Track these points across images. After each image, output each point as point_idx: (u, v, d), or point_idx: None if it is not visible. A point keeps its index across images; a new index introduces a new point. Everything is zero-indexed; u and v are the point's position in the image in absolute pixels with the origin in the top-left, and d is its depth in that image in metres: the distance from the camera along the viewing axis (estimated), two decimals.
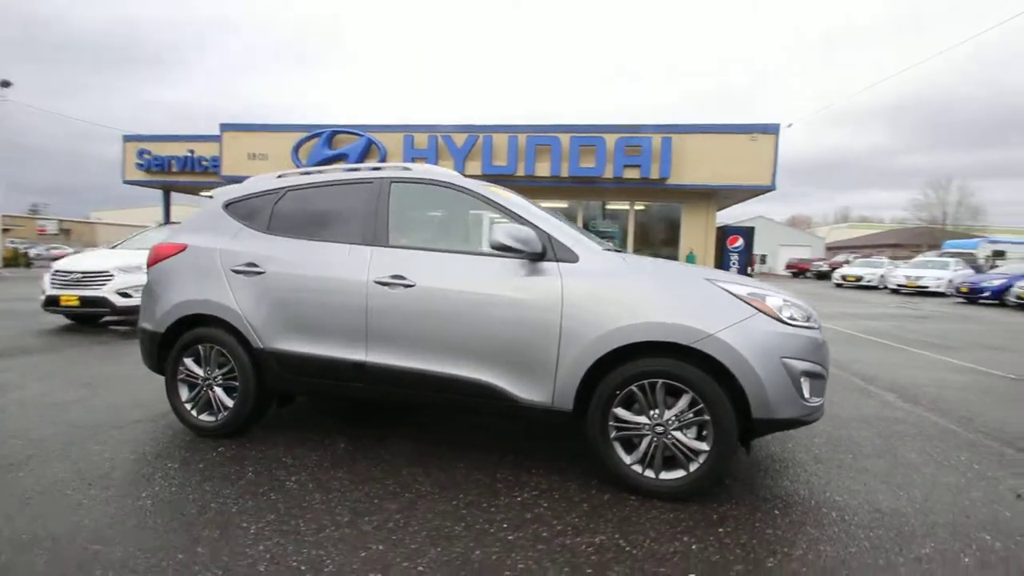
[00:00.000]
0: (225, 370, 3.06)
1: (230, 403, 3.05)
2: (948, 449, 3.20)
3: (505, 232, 2.57)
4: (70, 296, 6.71)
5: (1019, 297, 13.34)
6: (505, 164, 12.91)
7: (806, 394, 2.41)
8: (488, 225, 3.00)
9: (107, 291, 6.71)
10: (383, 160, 13.24)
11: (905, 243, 42.78)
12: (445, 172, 3.10)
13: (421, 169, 3.10)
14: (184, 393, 3.16)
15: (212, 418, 3.08)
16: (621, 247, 13.10)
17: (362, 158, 13.36)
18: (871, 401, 4.28)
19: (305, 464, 2.73)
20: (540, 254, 2.60)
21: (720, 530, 2.17)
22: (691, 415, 2.41)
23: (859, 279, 21.94)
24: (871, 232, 59.25)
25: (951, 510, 2.41)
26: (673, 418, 2.42)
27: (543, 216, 2.83)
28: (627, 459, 2.50)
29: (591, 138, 12.61)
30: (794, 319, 2.48)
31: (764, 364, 2.34)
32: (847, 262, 27.60)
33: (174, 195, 18.99)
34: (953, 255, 22.28)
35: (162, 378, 3.20)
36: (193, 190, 17.95)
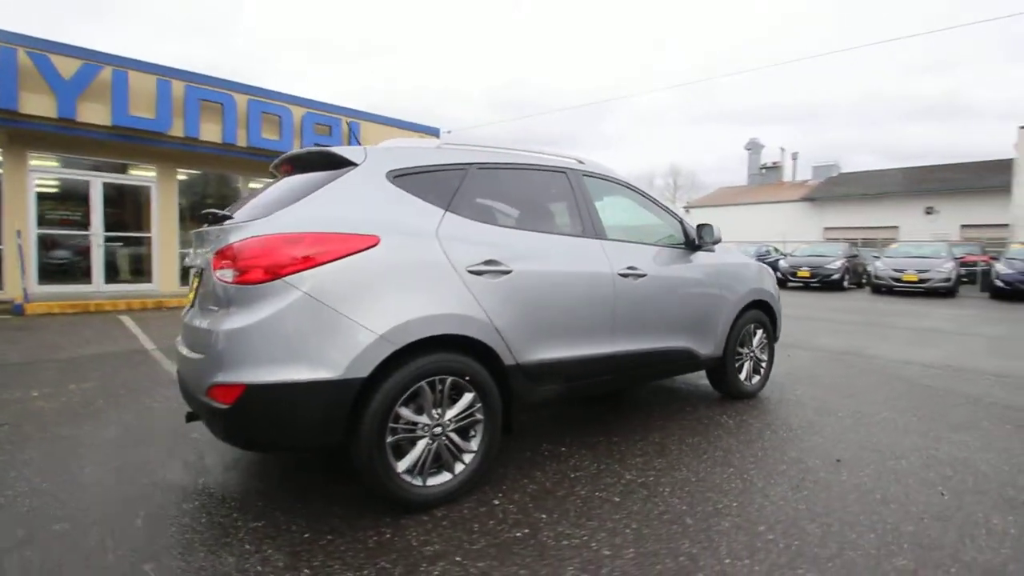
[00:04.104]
0: (462, 407, 2.28)
1: (473, 447, 2.32)
2: None
3: (692, 229, 3.41)
4: None
5: None
6: (152, 117, 9.59)
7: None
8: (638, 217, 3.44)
9: None
10: None
11: None
12: (612, 168, 3.28)
13: (592, 164, 3.16)
14: (403, 461, 2.12)
15: (448, 476, 2.26)
16: None
17: None
18: None
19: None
20: (698, 245, 3.44)
21: None
22: (764, 339, 3.93)
23: None
24: None
25: None
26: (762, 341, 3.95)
27: (684, 214, 3.61)
28: (748, 380, 3.83)
29: (275, 107, 11.03)
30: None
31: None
32: None
33: None
34: None
35: None
36: None
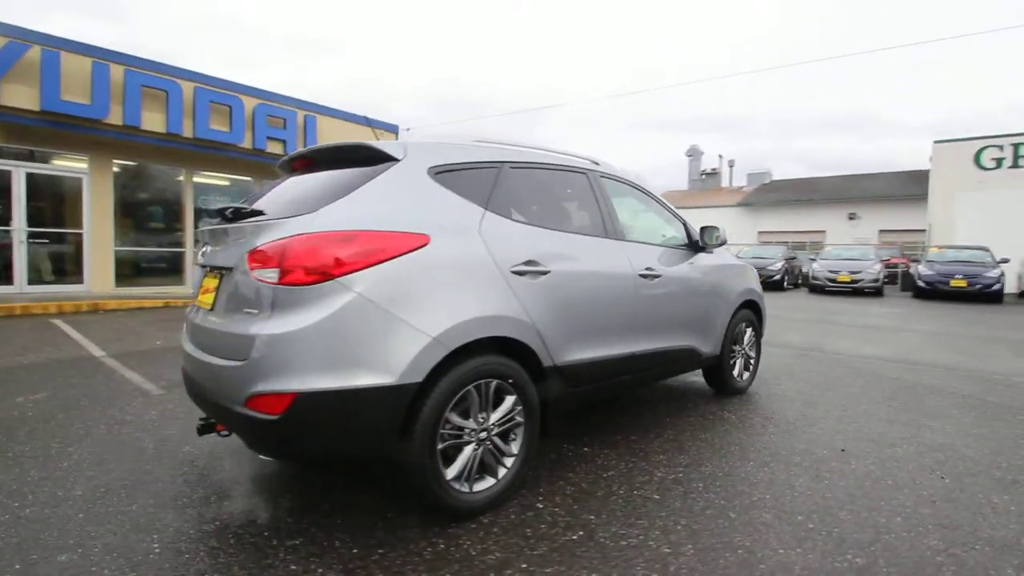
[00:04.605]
0: (505, 410, 2.23)
1: (514, 451, 2.27)
2: None
3: (695, 231, 3.51)
4: None
5: None
6: (88, 103, 8.78)
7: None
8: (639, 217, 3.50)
9: None
10: None
11: None
12: (623, 170, 3.30)
13: (606, 164, 3.18)
14: (451, 468, 2.04)
15: (492, 481, 2.19)
16: None
17: None
18: None
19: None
20: (702, 246, 3.55)
21: None
22: (753, 337, 4.11)
23: None
24: None
25: None
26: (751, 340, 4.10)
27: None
28: (740, 377, 3.93)
29: (225, 96, 10.37)
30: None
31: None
32: None
33: None
34: None
35: None
36: None
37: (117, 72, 9.08)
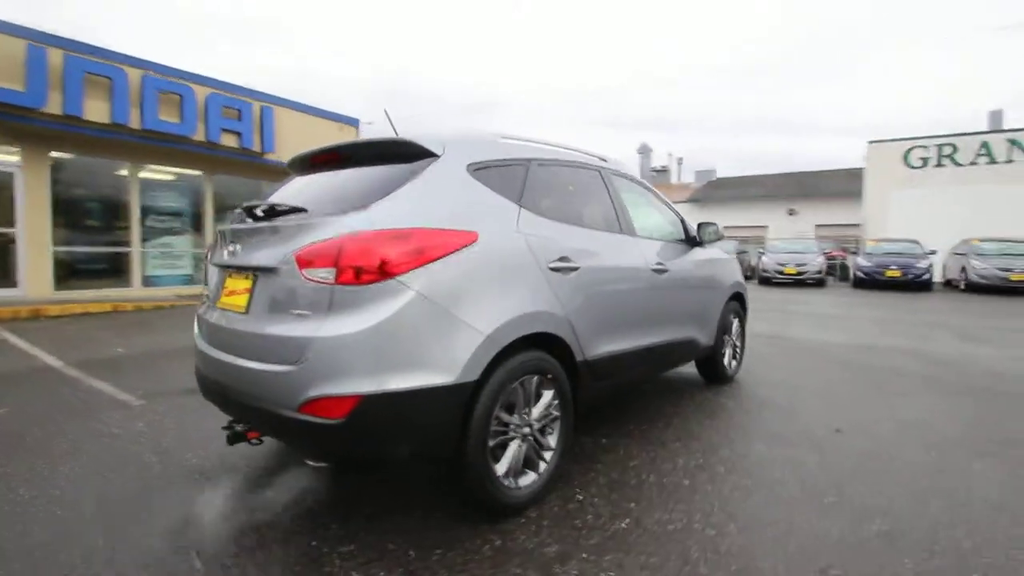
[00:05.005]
0: (544, 405, 2.26)
1: (552, 445, 2.31)
2: None
3: (691, 226, 3.66)
4: None
5: None
6: (21, 90, 8.04)
7: None
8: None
9: None
10: None
11: None
12: (629, 167, 3.38)
13: (614, 161, 3.25)
14: (501, 464, 2.06)
15: (534, 476, 2.22)
16: (191, 226, 11.08)
17: None
18: None
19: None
20: (699, 241, 3.69)
21: None
22: (739, 327, 4.34)
23: None
24: None
25: None
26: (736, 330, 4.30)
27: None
28: (729, 365, 4.14)
29: (175, 85, 9.75)
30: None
31: None
32: None
33: None
34: None
35: None
36: None
37: (56, 57, 8.36)
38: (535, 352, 2.17)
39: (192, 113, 10.00)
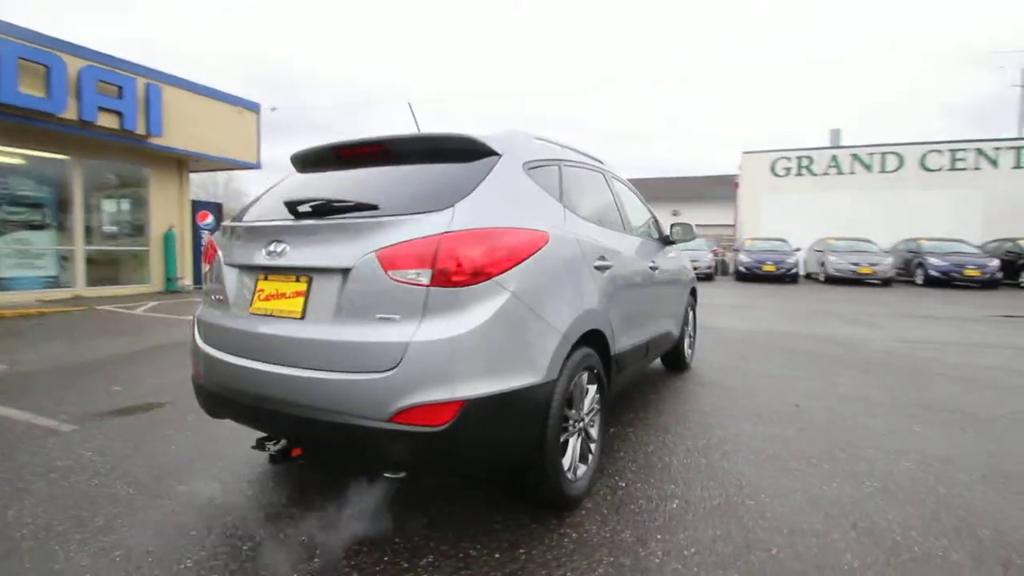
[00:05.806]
0: (591, 398, 2.33)
1: (595, 437, 2.40)
2: None
3: (664, 226, 3.93)
4: None
5: None
6: None
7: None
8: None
9: None
10: None
11: None
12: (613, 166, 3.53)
13: (608, 163, 3.38)
14: (565, 458, 2.09)
15: (585, 468, 2.29)
16: (56, 218, 9.64)
17: None
18: None
19: None
20: (672, 240, 3.99)
21: None
22: (693, 319, 4.71)
23: None
24: None
25: None
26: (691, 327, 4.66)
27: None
28: (690, 353, 4.51)
29: (41, 53, 8.21)
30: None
31: None
32: None
33: None
34: None
35: None
36: None
37: None
38: (586, 348, 2.22)
39: (62, 87, 8.52)
